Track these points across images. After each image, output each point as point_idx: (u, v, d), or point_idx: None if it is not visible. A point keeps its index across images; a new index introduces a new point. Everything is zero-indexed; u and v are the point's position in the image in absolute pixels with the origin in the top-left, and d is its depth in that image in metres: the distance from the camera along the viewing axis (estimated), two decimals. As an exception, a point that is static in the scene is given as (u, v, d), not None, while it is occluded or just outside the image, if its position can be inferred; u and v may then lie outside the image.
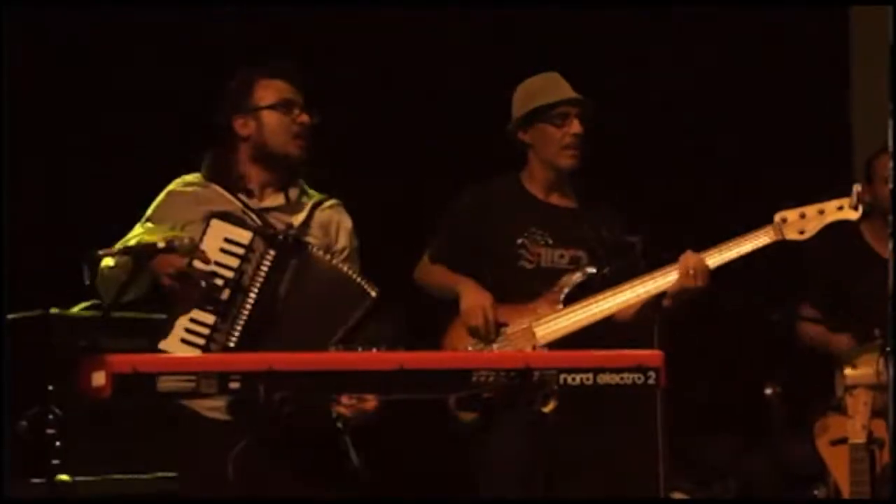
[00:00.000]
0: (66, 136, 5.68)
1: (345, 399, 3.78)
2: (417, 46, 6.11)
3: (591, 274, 4.69)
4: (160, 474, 4.72)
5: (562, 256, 4.77)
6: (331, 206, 4.25)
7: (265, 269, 3.93)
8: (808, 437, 5.24)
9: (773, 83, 6.51)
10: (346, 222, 4.26)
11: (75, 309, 4.80)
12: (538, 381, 3.33)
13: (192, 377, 3.19)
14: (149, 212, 4.15)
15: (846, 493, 4.87)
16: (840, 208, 4.58)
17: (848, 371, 4.95)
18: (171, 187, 4.18)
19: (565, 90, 4.78)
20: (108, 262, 3.95)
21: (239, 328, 3.90)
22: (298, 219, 4.14)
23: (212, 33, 5.79)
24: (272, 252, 3.94)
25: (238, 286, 3.92)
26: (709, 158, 6.36)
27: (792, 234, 4.57)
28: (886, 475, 4.69)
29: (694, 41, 6.47)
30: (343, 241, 4.23)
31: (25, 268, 4.52)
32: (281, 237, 3.97)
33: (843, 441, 4.84)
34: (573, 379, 3.36)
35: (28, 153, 5.12)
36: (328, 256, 4.06)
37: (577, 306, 4.61)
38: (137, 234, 4.07)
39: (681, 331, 5.65)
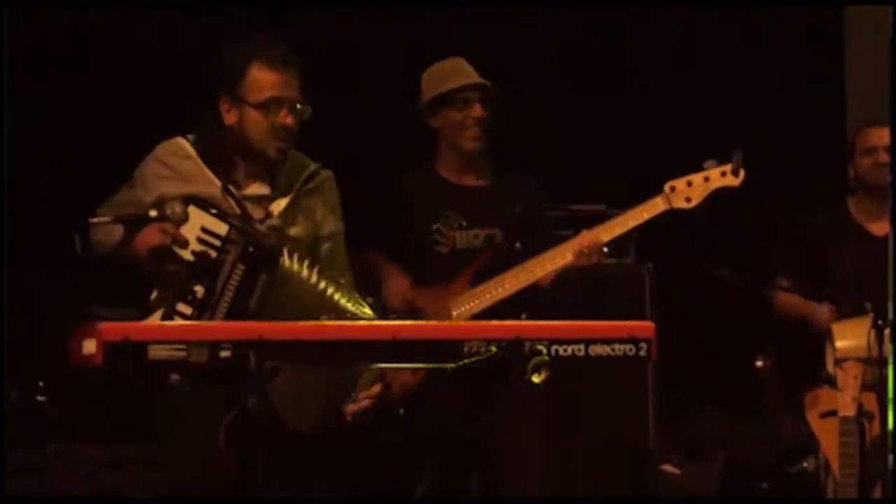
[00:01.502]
0: (66, 127, 5.69)
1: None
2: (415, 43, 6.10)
3: (503, 249, 4.78)
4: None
5: (476, 237, 4.87)
6: (317, 184, 4.17)
7: (236, 280, 3.84)
8: (798, 410, 5.25)
9: (768, 82, 6.53)
10: (333, 199, 4.21)
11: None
12: (529, 352, 3.33)
13: (183, 346, 3.19)
14: (135, 176, 4.08)
15: (835, 466, 4.88)
16: (723, 174, 4.65)
17: (839, 344, 4.96)
18: (158, 153, 4.09)
19: (468, 75, 4.87)
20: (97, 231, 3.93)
21: None
22: (280, 205, 4.07)
23: (211, 33, 5.76)
24: (242, 266, 3.84)
25: (213, 283, 3.84)
26: (704, 154, 6.37)
27: (679, 203, 4.64)
28: (876, 448, 4.70)
29: (692, 40, 6.48)
30: (330, 225, 4.17)
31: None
32: (251, 249, 3.84)
33: (833, 413, 4.85)
34: (564, 350, 3.37)
35: (27, 143, 5.12)
36: (304, 270, 3.92)
37: (488, 284, 4.67)
38: (122, 202, 4.03)
39: (672, 303, 5.68)
